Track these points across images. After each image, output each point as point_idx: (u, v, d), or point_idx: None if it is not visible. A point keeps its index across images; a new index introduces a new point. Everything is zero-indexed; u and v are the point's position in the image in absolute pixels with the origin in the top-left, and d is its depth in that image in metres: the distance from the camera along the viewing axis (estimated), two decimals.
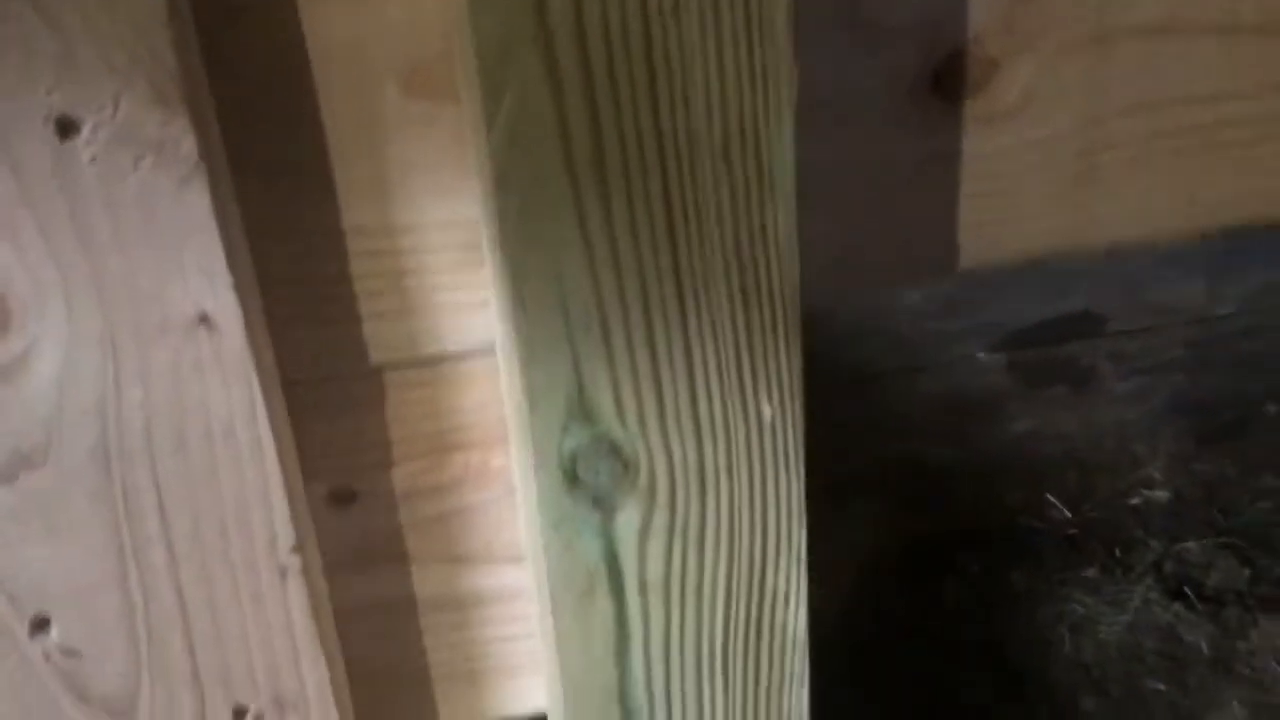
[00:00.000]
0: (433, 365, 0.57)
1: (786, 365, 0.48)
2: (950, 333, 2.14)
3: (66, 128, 0.45)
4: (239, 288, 0.49)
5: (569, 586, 0.51)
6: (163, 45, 0.44)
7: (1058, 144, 0.57)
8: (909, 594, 1.89)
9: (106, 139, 0.45)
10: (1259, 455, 2.24)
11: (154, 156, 0.46)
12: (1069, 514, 2.06)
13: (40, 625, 0.53)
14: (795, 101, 0.45)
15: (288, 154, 0.51)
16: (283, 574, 0.54)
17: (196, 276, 0.48)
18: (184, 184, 0.46)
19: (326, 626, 0.57)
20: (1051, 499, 2.08)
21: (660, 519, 0.50)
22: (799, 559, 0.53)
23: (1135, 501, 2.08)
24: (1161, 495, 2.16)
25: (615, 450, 0.48)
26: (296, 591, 0.55)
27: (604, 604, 0.52)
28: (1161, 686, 1.81)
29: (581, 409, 0.47)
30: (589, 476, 0.49)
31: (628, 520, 0.50)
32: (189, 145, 0.46)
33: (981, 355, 2.17)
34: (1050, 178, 0.58)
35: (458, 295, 0.55)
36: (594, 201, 0.44)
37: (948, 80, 0.53)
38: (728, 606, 0.53)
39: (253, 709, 0.57)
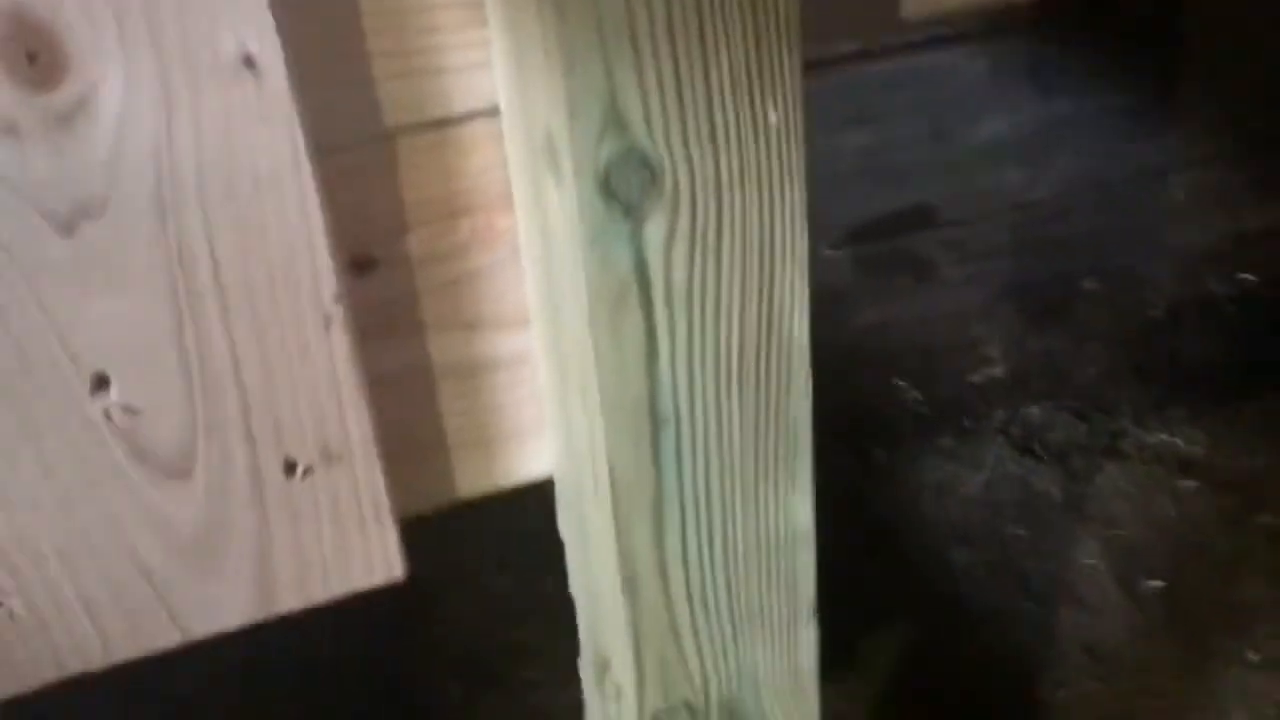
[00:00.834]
0: (440, 129, 0.61)
1: (789, 73, 0.54)
2: None
3: None
4: (281, 31, 0.52)
5: (604, 300, 0.56)
6: None
7: None
8: None
9: None
10: (1083, 328, 2.41)
11: None
12: (919, 394, 2.20)
13: (100, 384, 0.55)
14: None
15: None
16: (327, 324, 0.58)
17: (242, 17, 0.51)
18: None
19: (363, 383, 0.60)
20: (901, 382, 2.21)
21: (683, 226, 0.56)
22: (801, 269, 0.59)
23: (977, 379, 2.22)
24: (1000, 370, 2.30)
25: (644, 160, 0.54)
26: (340, 341, 0.58)
27: (635, 316, 0.57)
28: (1022, 532, 1.95)
29: (615, 119, 0.52)
30: (621, 187, 0.54)
31: (655, 228, 0.55)
32: None
33: (827, 252, 2.29)
34: None
35: (465, 55, 0.59)
36: None
37: None
38: (742, 315, 0.59)
39: (302, 462, 0.60)
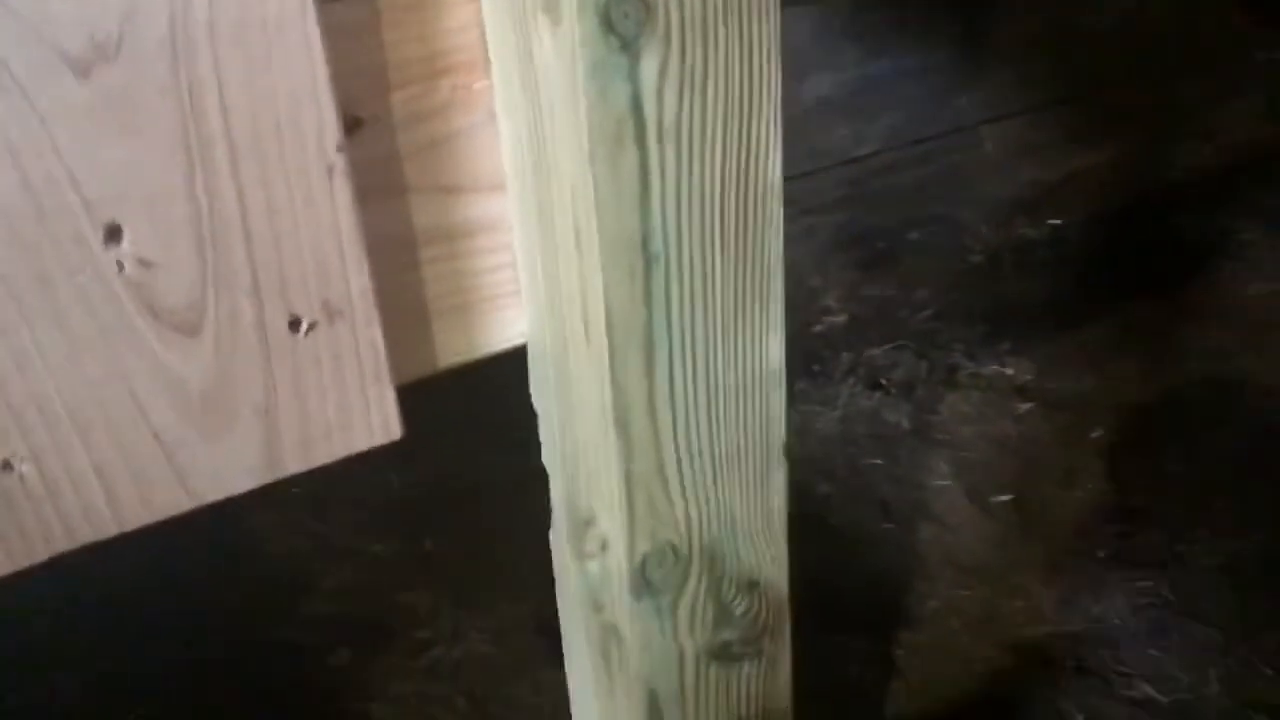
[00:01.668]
0: None
1: None
2: None
3: None
4: None
5: (604, 137, 0.59)
6: None
7: None
8: None
9: None
10: (911, 275, 2.54)
11: None
12: None
13: (113, 234, 0.55)
14: None
15: None
16: (330, 172, 0.59)
17: None
18: None
19: (362, 237, 0.62)
20: None
21: (674, 64, 0.59)
22: (776, 109, 0.63)
23: (820, 327, 2.32)
24: (840, 318, 2.40)
25: None
26: (342, 191, 0.60)
27: (631, 152, 0.60)
28: (878, 461, 2.05)
29: None
30: (620, 22, 0.57)
31: (650, 65, 0.58)
32: None
33: None
34: None
35: None
36: None
37: None
38: (724, 155, 0.63)
39: (306, 318, 0.61)
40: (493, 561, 1.89)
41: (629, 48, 0.57)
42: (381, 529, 1.94)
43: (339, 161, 0.59)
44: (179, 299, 0.57)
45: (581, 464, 0.71)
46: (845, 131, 2.52)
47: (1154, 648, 1.67)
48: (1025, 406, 2.19)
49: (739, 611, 0.75)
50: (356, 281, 0.61)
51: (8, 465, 0.55)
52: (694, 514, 0.71)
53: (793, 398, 2.15)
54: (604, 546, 0.72)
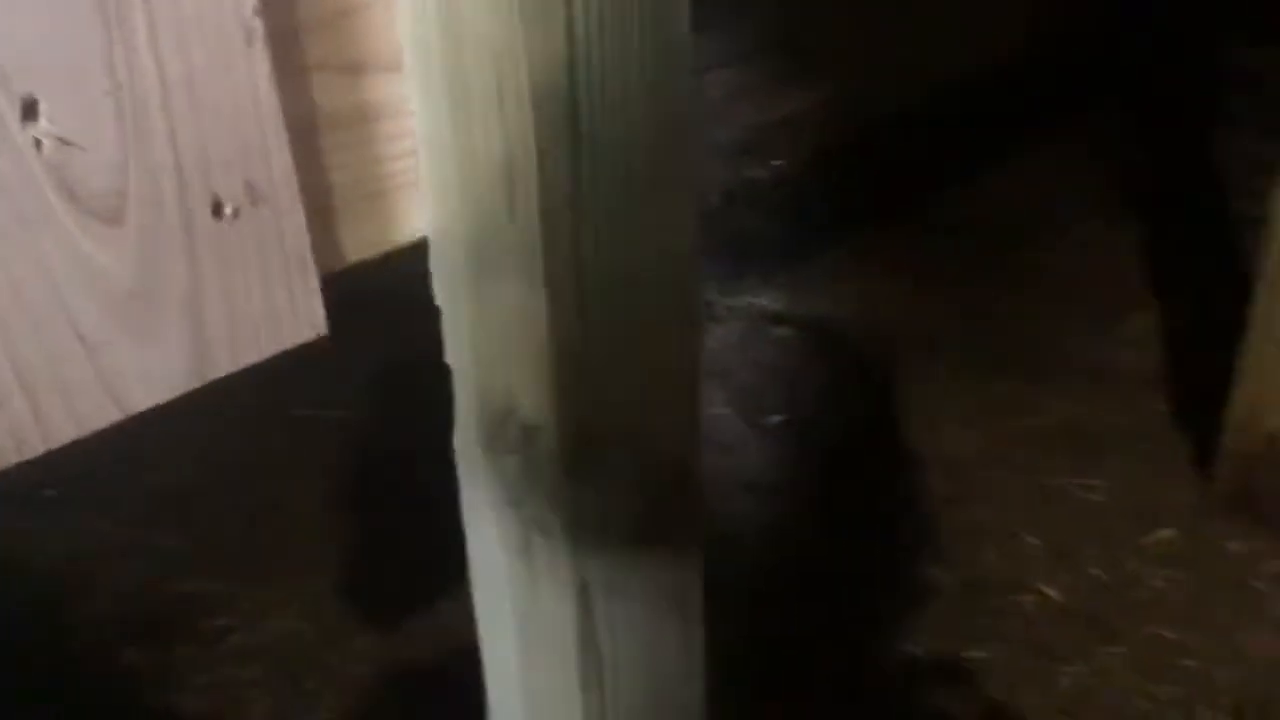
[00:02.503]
0: None
1: None
2: None
3: None
4: None
5: None
6: None
7: None
8: None
9: None
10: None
11: None
12: None
13: (30, 110, 0.50)
14: None
15: None
16: (249, 38, 0.55)
17: None
18: None
19: (281, 112, 0.58)
20: None
21: None
22: None
23: None
24: None
25: None
26: (260, 59, 0.56)
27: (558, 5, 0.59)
28: None
29: None
30: None
31: None
32: None
33: None
34: None
35: None
36: None
37: None
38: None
39: (229, 203, 0.57)
40: (282, 540, 1.81)
41: None
42: (158, 521, 1.82)
43: (257, 26, 0.55)
44: (100, 182, 0.52)
45: (502, 351, 0.70)
46: None
47: None
48: (782, 332, 2.28)
49: (662, 490, 0.76)
50: (278, 160, 0.57)
51: None
52: (620, 392, 0.71)
53: None
54: (527, 435, 0.71)
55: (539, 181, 0.62)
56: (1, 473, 0.53)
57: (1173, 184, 2.57)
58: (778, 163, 2.92)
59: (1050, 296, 2.23)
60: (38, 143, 0.50)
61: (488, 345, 0.71)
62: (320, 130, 0.63)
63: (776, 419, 2.06)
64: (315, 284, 0.61)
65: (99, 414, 0.55)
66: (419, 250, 0.72)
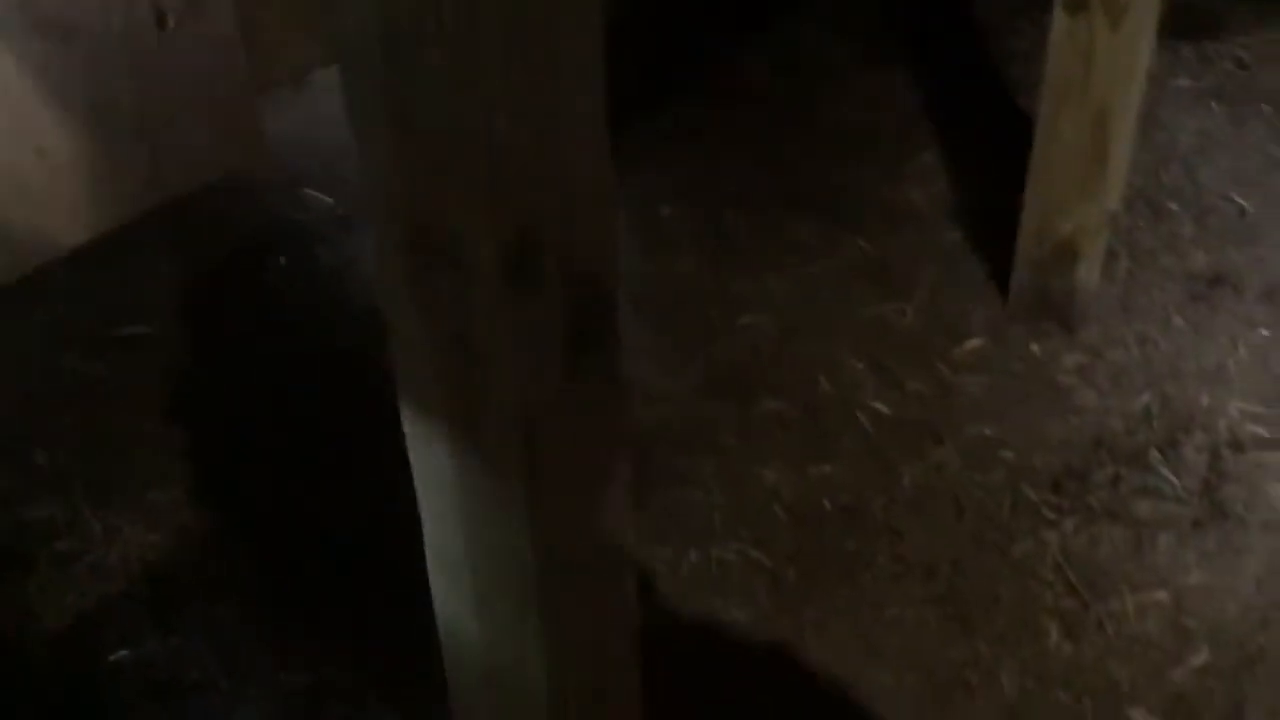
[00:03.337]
0: None
1: None
2: None
3: None
4: None
5: None
6: None
7: None
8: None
9: None
10: None
11: None
12: (329, 198, 2.24)
13: None
14: None
15: None
16: None
17: None
18: None
19: None
20: (313, 192, 2.25)
21: None
22: None
23: None
24: None
25: None
26: None
27: None
28: None
29: None
30: None
31: None
32: None
33: None
34: None
35: None
36: None
37: None
38: None
39: (170, 13, 0.57)
40: (122, 459, 1.76)
41: None
42: None
43: None
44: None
45: (427, 165, 0.71)
46: None
47: None
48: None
49: (587, 298, 0.79)
50: None
51: None
52: (543, 199, 0.73)
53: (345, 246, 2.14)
54: (456, 247, 0.73)
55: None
56: None
57: (938, 25, 2.70)
58: None
59: (842, 145, 2.33)
60: None
61: (412, 163, 0.72)
62: None
63: None
64: (253, 104, 0.61)
65: (70, 235, 0.55)
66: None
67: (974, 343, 1.89)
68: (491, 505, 0.86)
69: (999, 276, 1.95)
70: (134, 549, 1.63)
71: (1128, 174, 1.85)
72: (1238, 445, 1.71)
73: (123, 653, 1.50)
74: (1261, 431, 1.72)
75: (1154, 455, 1.70)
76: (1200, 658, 1.47)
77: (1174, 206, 2.11)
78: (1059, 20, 1.58)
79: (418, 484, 0.89)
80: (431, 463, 0.86)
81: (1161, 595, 1.53)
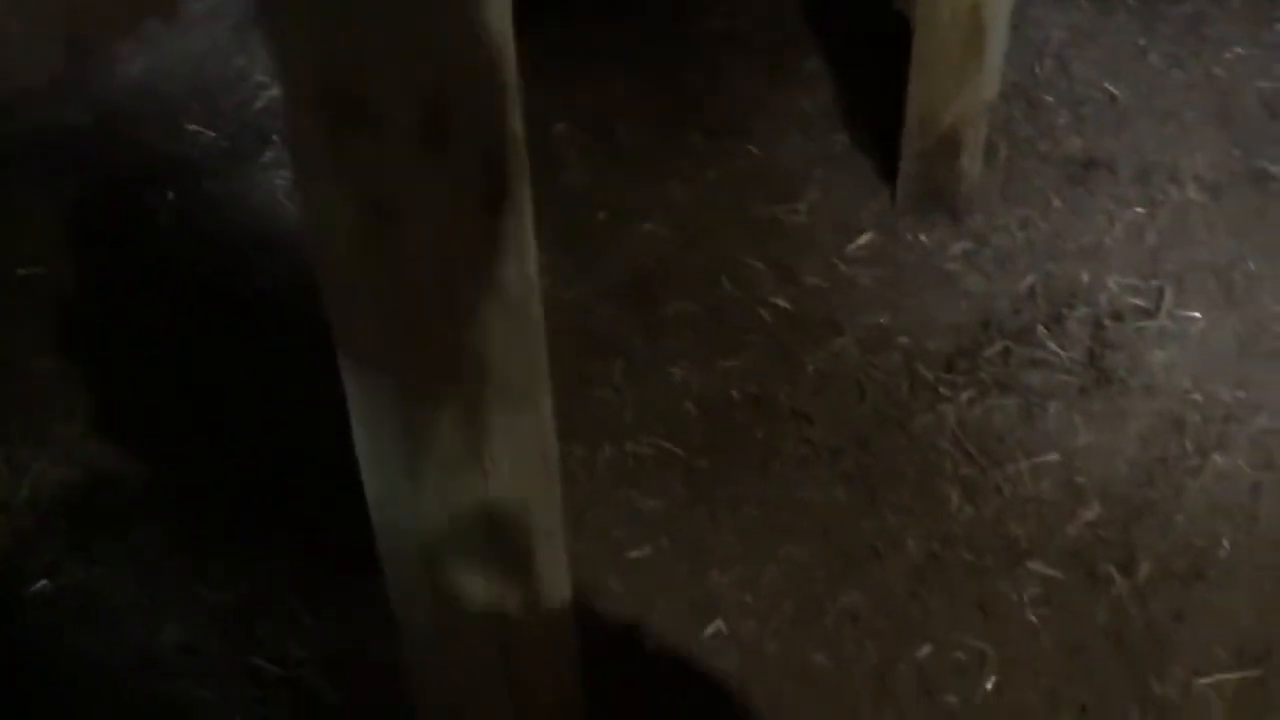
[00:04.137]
0: None
1: None
2: None
3: None
4: None
5: None
6: None
7: None
8: None
9: None
10: None
11: None
12: (212, 131, 2.21)
13: None
14: None
15: None
16: None
17: None
18: None
19: None
20: (194, 126, 2.22)
21: None
22: None
23: (261, 103, 2.28)
24: (276, 89, 2.36)
25: None
26: None
27: None
28: None
29: None
30: None
31: None
32: None
33: None
34: None
35: None
36: None
37: None
38: None
39: None
40: (29, 395, 1.74)
41: None
42: None
43: None
44: None
45: (349, 37, 0.72)
46: None
47: None
48: None
49: (497, 158, 0.81)
50: None
51: None
52: (456, 58, 0.75)
53: (261, 172, 2.12)
54: (375, 107, 0.75)
55: None
56: None
57: None
58: None
59: (727, 55, 2.36)
60: None
61: (331, 30, 0.73)
62: None
63: None
64: None
65: None
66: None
67: (866, 237, 1.94)
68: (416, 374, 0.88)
69: (886, 174, 2.01)
70: (44, 484, 1.62)
71: (1004, 70, 1.91)
72: (1118, 316, 1.79)
73: (44, 583, 1.50)
74: (1139, 302, 1.81)
75: (1040, 330, 1.78)
76: (1092, 512, 1.55)
77: (1049, 98, 2.19)
78: None
79: (340, 352, 0.91)
80: (353, 330, 0.88)
81: (1053, 457, 1.61)
